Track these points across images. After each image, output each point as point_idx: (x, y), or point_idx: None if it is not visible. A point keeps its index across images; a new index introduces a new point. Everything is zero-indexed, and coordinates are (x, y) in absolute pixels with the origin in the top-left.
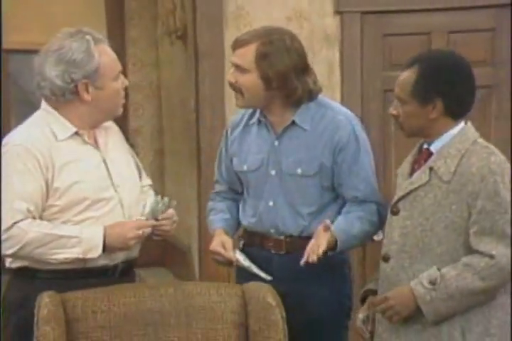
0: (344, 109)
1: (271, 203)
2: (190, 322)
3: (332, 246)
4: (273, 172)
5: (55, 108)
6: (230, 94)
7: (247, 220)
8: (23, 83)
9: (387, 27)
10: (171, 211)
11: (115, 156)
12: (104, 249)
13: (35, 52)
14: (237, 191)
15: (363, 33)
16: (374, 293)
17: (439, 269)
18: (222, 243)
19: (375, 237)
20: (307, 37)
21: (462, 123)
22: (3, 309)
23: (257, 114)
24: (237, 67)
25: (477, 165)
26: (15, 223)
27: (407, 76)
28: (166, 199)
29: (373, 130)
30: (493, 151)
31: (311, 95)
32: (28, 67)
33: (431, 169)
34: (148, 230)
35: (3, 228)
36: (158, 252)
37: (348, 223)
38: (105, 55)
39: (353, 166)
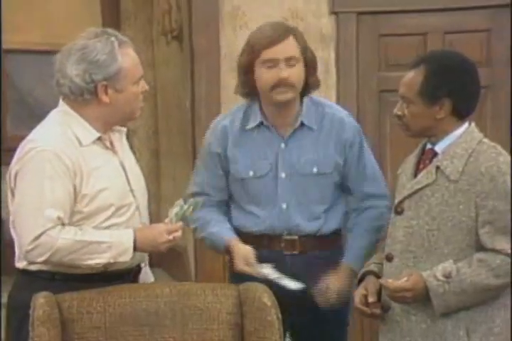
0: (338, 106)
1: (284, 206)
2: (186, 323)
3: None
4: (283, 175)
5: (73, 108)
6: (225, 94)
7: (250, 227)
8: (20, 83)
9: (383, 27)
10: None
11: (129, 160)
12: (135, 252)
13: (31, 52)
14: (220, 200)
15: (358, 33)
16: (371, 273)
17: (454, 263)
18: (245, 259)
19: None
20: None
21: (466, 124)
22: (13, 309)
23: (257, 118)
24: (290, 60)
25: (486, 165)
26: (45, 231)
27: (413, 76)
28: (191, 200)
29: (369, 130)
30: (500, 151)
31: (317, 87)
32: (24, 67)
33: (437, 168)
34: (179, 234)
35: (33, 236)
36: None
37: (358, 248)
38: (128, 59)
39: (361, 161)
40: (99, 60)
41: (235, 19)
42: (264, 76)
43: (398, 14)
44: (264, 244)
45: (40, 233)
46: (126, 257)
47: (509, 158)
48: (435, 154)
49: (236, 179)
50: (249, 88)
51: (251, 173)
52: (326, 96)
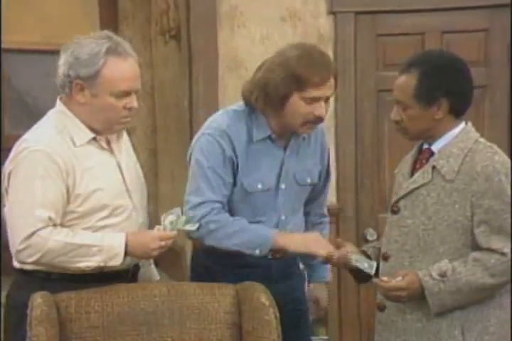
0: None
1: (283, 217)
2: (184, 322)
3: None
4: (283, 186)
5: (67, 106)
6: (223, 93)
7: None
8: (18, 83)
9: (381, 27)
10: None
11: (127, 161)
12: (126, 257)
13: (30, 52)
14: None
15: (356, 33)
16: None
17: (450, 262)
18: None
19: (369, 237)
20: (301, 37)
21: (463, 123)
22: (11, 309)
23: (265, 131)
24: (328, 99)
25: (481, 164)
26: (35, 231)
27: (405, 80)
28: (189, 213)
29: (367, 130)
30: (496, 151)
31: None
32: (23, 66)
33: (433, 168)
34: (170, 242)
35: (23, 236)
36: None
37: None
38: (112, 68)
39: (329, 165)
40: (81, 58)
41: (232, 19)
42: (301, 110)
43: (396, 14)
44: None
45: (31, 233)
46: (116, 261)
47: (505, 157)
48: (432, 154)
49: (243, 191)
50: (269, 108)
51: (259, 186)
52: None
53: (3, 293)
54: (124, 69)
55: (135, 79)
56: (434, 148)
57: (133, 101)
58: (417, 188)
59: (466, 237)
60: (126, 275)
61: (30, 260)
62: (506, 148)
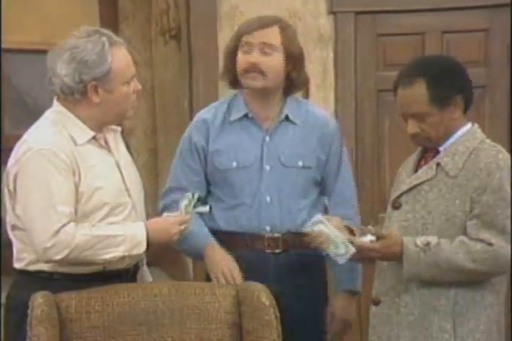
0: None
1: (268, 199)
2: (184, 322)
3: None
4: (268, 168)
5: (66, 107)
6: (223, 93)
7: (231, 223)
8: (18, 83)
9: (381, 27)
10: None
11: (124, 159)
12: (148, 244)
13: (30, 51)
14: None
15: (356, 33)
16: None
17: (438, 237)
18: (231, 273)
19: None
20: (301, 37)
21: (469, 124)
22: (12, 309)
23: (242, 109)
24: (265, 47)
25: (485, 161)
26: (61, 227)
27: (413, 93)
28: (196, 195)
29: (367, 130)
30: (500, 149)
31: (303, 86)
32: (23, 66)
33: (438, 165)
34: (188, 225)
35: (50, 233)
36: (151, 252)
37: (349, 271)
38: (119, 59)
39: (340, 161)
40: (89, 60)
41: (232, 19)
42: (239, 60)
43: (396, 14)
44: (247, 244)
45: (58, 229)
46: (139, 249)
47: (509, 156)
48: (437, 152)
49: (219, 171)
50: (232, 75)
51: (234, 164)
52: (324, 95)
53: (3, 294)
54: (124, 56)
55: (132, 63)
56: (440, 147)
57: (137, 84)
58: (420, 184)
59: (463, 232)
60: (126, 275)
61: (58, 257)
62: (507, 148)
